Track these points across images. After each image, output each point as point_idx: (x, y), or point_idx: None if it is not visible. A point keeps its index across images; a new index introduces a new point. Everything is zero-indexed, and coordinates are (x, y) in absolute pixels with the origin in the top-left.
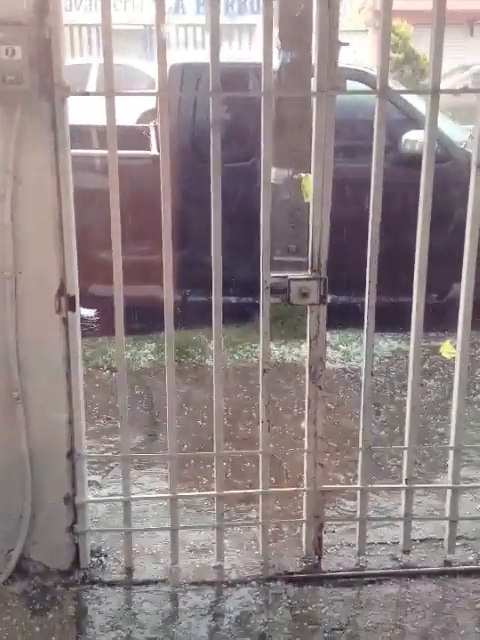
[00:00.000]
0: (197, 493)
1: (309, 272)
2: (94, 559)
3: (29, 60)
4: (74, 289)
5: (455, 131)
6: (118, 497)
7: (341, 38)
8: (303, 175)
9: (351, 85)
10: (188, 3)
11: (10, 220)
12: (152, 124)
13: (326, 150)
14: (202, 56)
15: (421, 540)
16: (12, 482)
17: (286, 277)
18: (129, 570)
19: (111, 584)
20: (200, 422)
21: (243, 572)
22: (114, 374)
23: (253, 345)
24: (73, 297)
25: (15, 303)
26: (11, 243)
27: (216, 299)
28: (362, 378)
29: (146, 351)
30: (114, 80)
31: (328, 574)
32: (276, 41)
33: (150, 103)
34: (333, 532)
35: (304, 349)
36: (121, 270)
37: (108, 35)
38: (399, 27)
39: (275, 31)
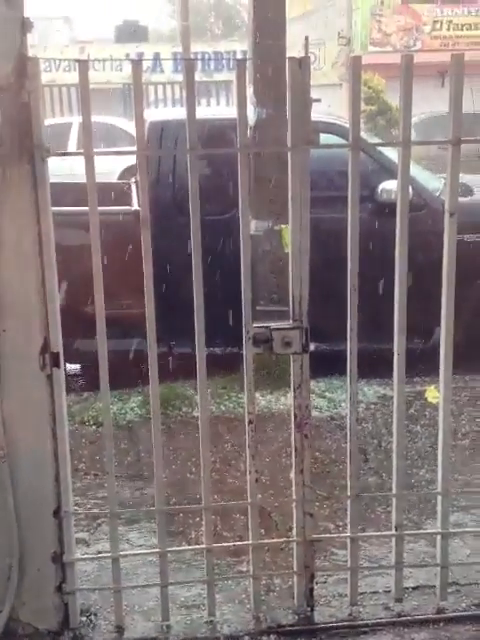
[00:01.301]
0: (186, 547)
1: (291, 321)
2: (84, 618)
3: (9, 123)
4: (58, 346)
5: (430, 180)
6: (106, 554)
7: (315, 93)
8: (283, 226)
9: (325, 138)
10: (166, 63)
11: None
12: (133, 180)
13: (302, 202)
14: (180, 113)
15: (414, 588)
16: None
17: (268, 327)
18: (120, 629)
19: None
20: (188, 474)
21: (235, 627)
22: (101, 429)
23: (239, 395)
24: (57, 354)
25: None
26: None
27: (199, 351)
28: (348, 425)
29: (132, 405)
30: (93, 139)
31: (321, 626)
32: (251, 98)
33: (131, 160)
34: (325, 582)
35: (290, 398)
36: (105, 325)
37: (86, 96)
38: (372, 80)
39: (251, 88)
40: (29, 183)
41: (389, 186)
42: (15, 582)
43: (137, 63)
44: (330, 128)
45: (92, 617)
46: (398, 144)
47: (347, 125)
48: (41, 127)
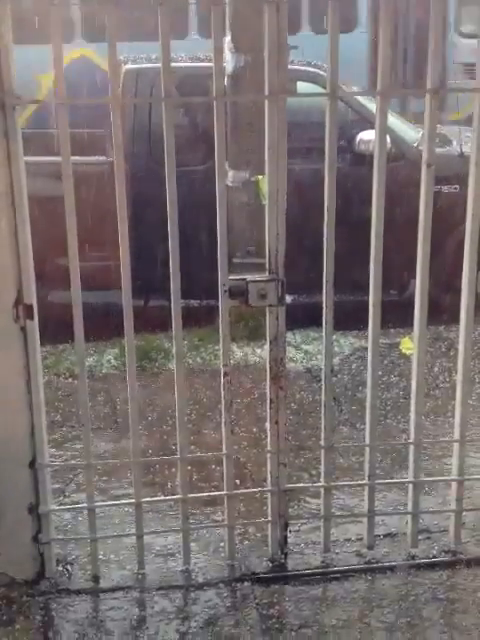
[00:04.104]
0: (162, 498)
1: (267, 274)
2: (60, 568)
3: None
4: (31, 298)
5: (407, 130)
6: (82, 505)
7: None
8: (260, 177)
9: (305, 87)
10: None
11: None
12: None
13: (279, 152)
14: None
15: (385, 535)
16: None
17: (244, 279)
18: (96, 578)
19: (78, 592)
20: (164, 426)
21: (210, 575)
22: (76, 381)
23: (216, 347)
24: (31, 306)
25: None
26: None
27: (175, 303)
28: (323, 377)
29: (109, 357)
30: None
31: (294, 573)
32: (229, 44)
33: None
34: (298, 531)
35: (266, 350)
36: (79, 276)
37: (59, 42)
38: None
39: (228, 35)
40: (0, 132)
41: (367, 137)
42: None
43: (112, 8)
44: (308, 76)
45: (68, 566)
46: (375, 93)
47: (325, 74)
48: (11, 75)
